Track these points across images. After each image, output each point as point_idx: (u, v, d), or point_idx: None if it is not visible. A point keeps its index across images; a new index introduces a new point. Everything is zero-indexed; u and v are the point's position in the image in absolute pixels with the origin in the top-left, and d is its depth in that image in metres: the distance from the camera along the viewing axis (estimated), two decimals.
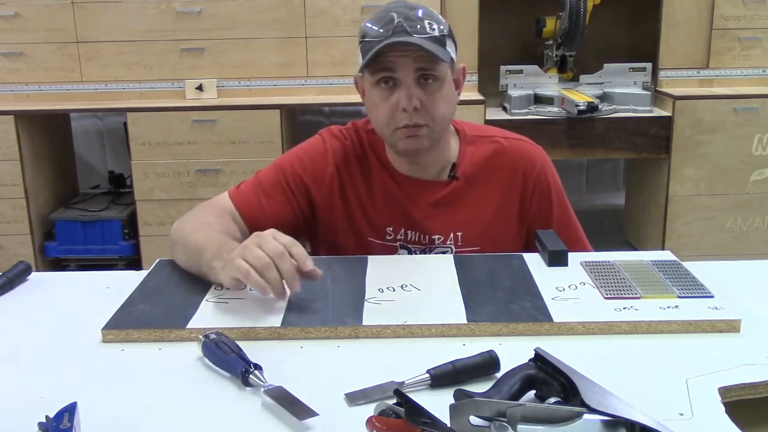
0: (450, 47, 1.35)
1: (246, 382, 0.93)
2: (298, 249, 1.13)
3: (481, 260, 1.35)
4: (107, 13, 3.10)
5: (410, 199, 1.46)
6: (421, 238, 1.46)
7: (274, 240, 1.13)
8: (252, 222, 1.41)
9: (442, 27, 1.34)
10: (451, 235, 1.45)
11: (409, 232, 1.46)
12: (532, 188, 1.48)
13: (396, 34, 1.30)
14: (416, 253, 1.46)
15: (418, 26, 1.31)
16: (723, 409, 0.88)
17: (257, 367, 0.94)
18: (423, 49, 1.29)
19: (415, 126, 1.35)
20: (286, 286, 1.11)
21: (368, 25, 1.35)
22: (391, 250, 1.46)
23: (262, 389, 0.91)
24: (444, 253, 1.45)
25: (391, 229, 1.46)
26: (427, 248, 1.46)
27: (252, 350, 1.00)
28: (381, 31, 1.32)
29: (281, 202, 1.45)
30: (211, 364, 0.99)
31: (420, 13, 1.34)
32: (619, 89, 3.19)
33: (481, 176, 1.47)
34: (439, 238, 1.46)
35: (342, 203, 1.46)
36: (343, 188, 1.47)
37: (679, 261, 1.31)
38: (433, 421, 0.78)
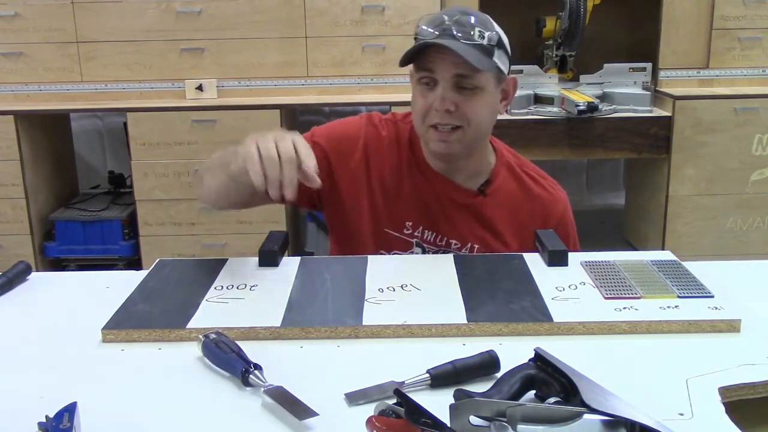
0: (499, 58, 1.35)
1: (246, 382, 0.93)
2: (310, 161, 1.14)
3: (481, 260, 1.35)
4: (107, 13, 3.10)
5: (437, 196, 1.46)
6: (437, 239, 1.46)
7: (291, 143, 1.13)
8: None
9: (492, 35, 1.33)
10: (469, 244, 1.46)
11: (426, 231, 1.46)
12: (554, 229, 1.49)
13: (441, 37, 1.32)
14: (429, 254, 1.46)
15: (469, 32, 1.31)
16: (723, 409, 0.88)
17: (257, 367, 0.94)
18: (459, 56, 1.29)
19: (449, 130, 1.36)
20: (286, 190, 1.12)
21: (422, 25, 1.37)
22: (407, 245, 1.47)
23: (262, 389, 0.91)
24: None
25: (410, 224, 1.46)
26: (441, 250, 1.47)
27: (252, 350, 1.00)
28: (431, 31, 1.33)
29: None
30: (211, 364, 0.99)
31: (473, 19, 1.34)
32: (619, 89, 3.19)
33: (508, 202, 1.48)
34: (456, 244, 1.46)
35: (367, 190, 1.46)
36: (369, 176, 1.46)
37: (679, 261, 1.31)
38: (433, 421, 0.78)
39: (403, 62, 1.37)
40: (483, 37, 1.32)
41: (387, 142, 1.48)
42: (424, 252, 1.47)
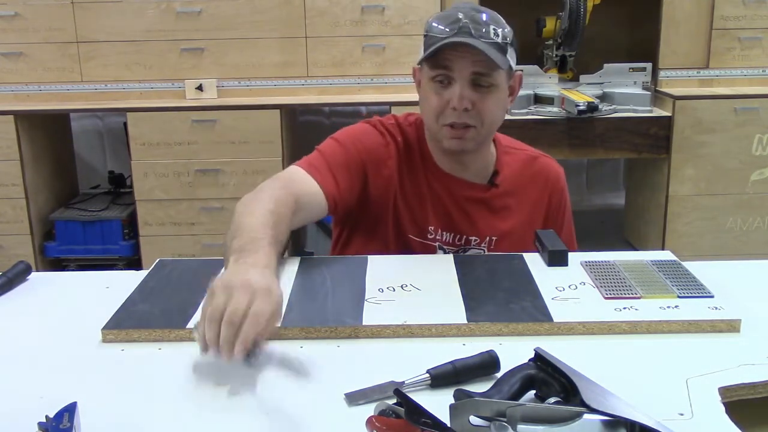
0: (510, 55, 1.36)
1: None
2: (251, 329, 0.93)
3: (481, 260, 1.35)
4: (107, 13, 3.10)
5: (452, 196, 1.47)
6: (456, 239, 1.47)
7: (243, 303, 0.94)
8: (333, 200, 1.37)
9: (505, 33, 1.35)
10: (487, 238, 1.47)
11: (445, 233, 1.47)
12: (557, 203, 1.54)
13: (459, 35, 1.31)
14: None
15: (483, 30, 1.32)
16: (723, 409, 0.88)
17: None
18: (483, 53, 1.30)
19: (463, 127, 1.36)
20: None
21: (434, 23, 1.36)
22: (431, 250, 1.47)
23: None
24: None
25: (432, 228, 1.46)
26: (461, 249, 1.47)
27: None
28: (446, 29, 1.33)
29: (347, 178, 1.40)
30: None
31: (485, 17, 1.34)
32: (619, 89, 3.18)
33: (516, 187, 1.51)
34: (475, 240, 1.47)
35: (393, 198, 1.46)
36: (394, 184, 1.46)
37: (679, 261, 1.31)
38: (433, 421, 0.78)
39: (425, 60, 1.36)
40: (497, 35, 1.33)
41: (402, 148, 1.47)
42: (444, 254, 1.46)
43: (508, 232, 1.48)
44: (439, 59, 1.34)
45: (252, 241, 1.12)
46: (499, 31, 1.33)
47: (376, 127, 1.47)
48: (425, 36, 1.38)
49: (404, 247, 1.46)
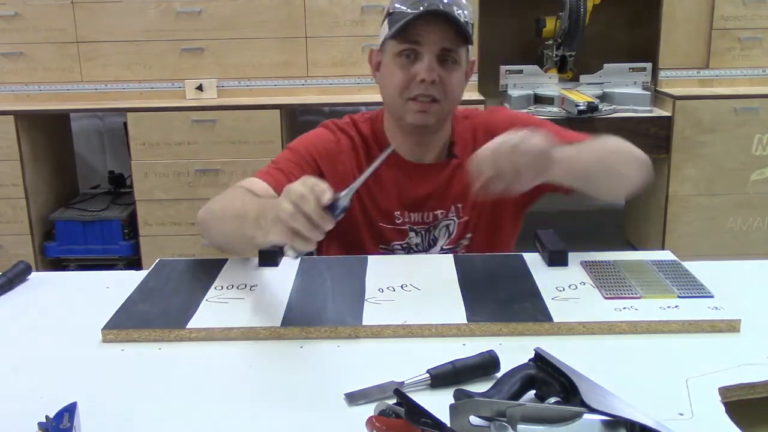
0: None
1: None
2: (319, 186, 1.06)
3: (481, 260, 1.35)
4: (107, 13, 3.10)
5: (413, 182, 1.48)
6: (424, 217, 1.49)
7: (299, 185, 1.06)
8: None
9: (467, 14, 1.38)
10: (452, 207, 1.49)
11: (412, 214, 1.48)
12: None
13: (430, 8, 1.34)
14: (422, 233, 1.48)
15: (448, 10, 1.35)
16: (723, 409, 0.88)
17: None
18: (451, 30, 1.34)
19: (430, 101, 1.38)
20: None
21: (397, 3, 1.39)
22: (402, 234, 1.48)
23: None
24: (448, 226, 1.49)
25: (398, 213, 1.48)
26: (432, 225, 1.49)
27: (252, 350, 1.00)
28: (409, 9, 1.36)
29: (300, 174, 1.41)
30: None
31: None
32: (619, 89, 3.18)
33: (472, 148, 1.48)
34: (441, 213, 1.49)
35: (355, 194, 1.47)
36: (354, 179, 1.47)
37: (679, 261, 1.31)
38: (433, 421, 0.78)
39: (393, 35, 1.37)
40: (460, 15, 1.36)
41: (357, 142, 1.50)
42: (416, 234, 1.49)
43: (467, 194, 1.46)
44: (408, 34, 1.37)
45: (263, 203, 1.17)
46: (461, 11, 1.37)
47: (327, 127, 1.52)
48: (389, 15, 1.40)
49: (377, 235, 1.48)
